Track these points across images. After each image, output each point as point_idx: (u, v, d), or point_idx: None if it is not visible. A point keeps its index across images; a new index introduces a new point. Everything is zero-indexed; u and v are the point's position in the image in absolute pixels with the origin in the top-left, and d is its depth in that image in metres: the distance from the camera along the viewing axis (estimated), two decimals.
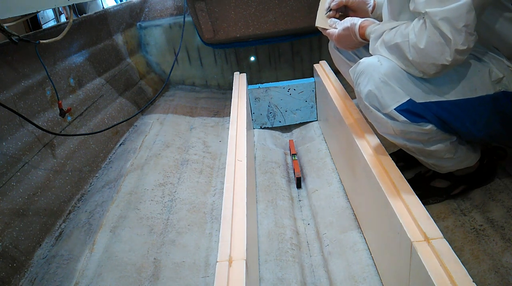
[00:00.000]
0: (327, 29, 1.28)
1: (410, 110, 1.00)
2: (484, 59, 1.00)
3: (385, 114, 1.03)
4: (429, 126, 1.02)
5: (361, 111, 1.34)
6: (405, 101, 1.00)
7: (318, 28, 1.33)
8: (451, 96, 0.99)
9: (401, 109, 1.01)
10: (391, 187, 0.95)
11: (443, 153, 1.09)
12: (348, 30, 1.17)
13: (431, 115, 1.00)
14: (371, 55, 1.08)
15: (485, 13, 0.95)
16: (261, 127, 2.02)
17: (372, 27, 1.10)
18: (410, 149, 1.11)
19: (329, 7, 1.30)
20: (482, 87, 0.98)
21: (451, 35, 0.85)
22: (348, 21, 1.18)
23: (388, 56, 1.02)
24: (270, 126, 2.02)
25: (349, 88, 1.62)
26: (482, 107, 0.99)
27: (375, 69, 1.02)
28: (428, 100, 1.00)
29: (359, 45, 1.20)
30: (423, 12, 0.87)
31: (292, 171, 1.63)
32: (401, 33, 0.96)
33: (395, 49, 0.98)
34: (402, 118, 1.01)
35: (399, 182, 0.96)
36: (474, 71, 0.99)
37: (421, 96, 1.00)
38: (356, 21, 1.15)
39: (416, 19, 0.93)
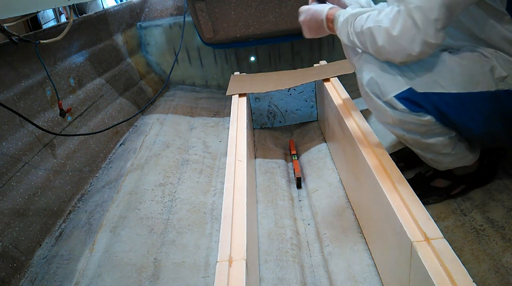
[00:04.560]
0: None
1: (410, 99, 1.01)
2: (489, 56, 0.99)
3: (384, 102, 1.04)
4: (428, 117, 1.02)
5: (361, 111, 1.34)
6: (405, 89, 1.01)
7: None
8: (452, 88, 0.99)
9: (400, 97, 1.01)
10: (391, 187, 0.95)
11: (440, 147, 1.09)
12: (315, 15, 1.15)
13: (430, 106, 1.01)
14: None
15: (488, 16, 0.96)
16: (261, 127, 2.02)
17: (340, 12, 1.09)
18: (407, 140, 1.11)
19: None
20: (483, 83, 0.98)
21: (421, 24, 0.87)
22: (318, 6, 1.17)
23: (357, 42, 1.02)
24: (270, 126, 2.02)
25: (349, 88, 1.63)
26: (483, 103, 0.99)
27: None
28: (428, 91, 1.00)
29: (326, 33, 1.17)
30: None
31: (292, 171, 1.63)
32: (374, 18, 0.97)
33: (367, 33, 0.98)
34: (401, 106, 1.02)
35: (399, 182, 0.96)
36: (476, 65, 0.99)
37: (421, 86, 1.00)
38: (324, 7, 1.15)
39: (390, 6, 0.94)
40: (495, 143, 1.16)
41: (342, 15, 1.08)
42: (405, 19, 0.88)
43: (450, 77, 0.99)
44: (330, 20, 1.12)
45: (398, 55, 0.94)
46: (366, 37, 0.99)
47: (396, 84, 1.01)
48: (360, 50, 1.11)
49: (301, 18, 1.20)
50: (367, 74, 1.05)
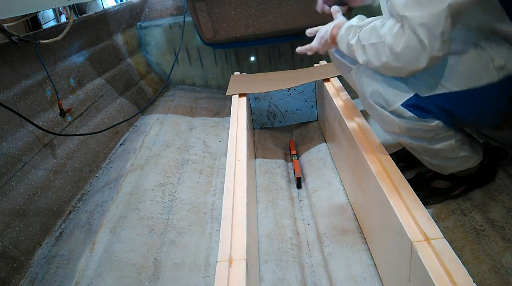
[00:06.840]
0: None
1: (417, 105, 1.00)
2: (485, 46, 0.98)
3: (391, 111, 1.03)
4: (435, 122, 1.02)
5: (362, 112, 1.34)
6: (411, 96, 1.00)
7: None
8: (456, 87, 0.98)
9: (407, 104, 1.01)
10: (392, 187, 0.95)
11: (447, 152, 1.09)
12: (324, 39, 1.16)
13: (437, 109, 1.00)
14: None
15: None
16: (261, 127, 2.02)
17: (342, 27, 1.09)
18: (415, 148, 1.10)
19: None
20: (486, 76, 0.97)
21: (427, 41, 0.84)
22: (323, 29, 1.17)
23: (362, 55, 1.01)
24: (270, 126, 2.02)
25: (349, 88, 1.63)
26: (489, 95, 0.98)
27: None
28: (433, 93, 0.99)
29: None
30: (401, 14, 0.87)
31: (292, 171, 1.63)
32: (377, 34, 0.94)
33: (371, 49, 0.97)
34: (409, 114, 1.01)
35: (400, 182, 0.96)
36: (477, 60, 0.97)
37: (425, 90, 0.99)
38: (329, 27, 1.15)
39: (393, 21, 0.92)
40: (505, 125, 1.14)
41: (341, 33, 1.07)
42: (409, 36, 0.86)
43: (453, 76, 0.98)
44: (334, 40, 1.12)
45: (403, 71, 0.93)
46: (371, 52, 0.97)
47: (400, 93, 1.01)
48: (353, 66, 1.10)
49: (315, 45, 1.20)
50: (369, 86, 1.05)
